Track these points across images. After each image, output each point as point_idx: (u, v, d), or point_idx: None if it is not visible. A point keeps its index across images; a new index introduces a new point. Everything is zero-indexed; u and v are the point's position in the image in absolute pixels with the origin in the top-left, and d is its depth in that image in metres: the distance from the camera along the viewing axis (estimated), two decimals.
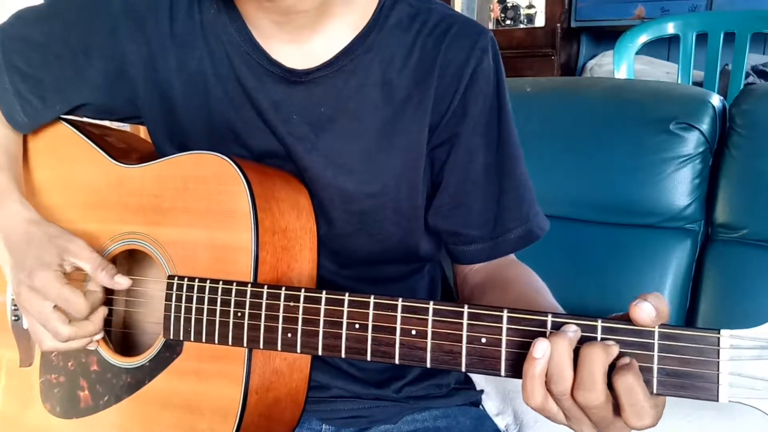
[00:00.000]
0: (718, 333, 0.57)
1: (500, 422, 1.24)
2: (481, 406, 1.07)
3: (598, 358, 0.58)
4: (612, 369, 0.59)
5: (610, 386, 0.58)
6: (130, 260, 0.96)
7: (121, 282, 0.84)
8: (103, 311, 0.86)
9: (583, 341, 0.60)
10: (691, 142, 1.41)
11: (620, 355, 0.59)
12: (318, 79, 0.86)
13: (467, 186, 0.91)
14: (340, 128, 0.87)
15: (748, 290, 1.35)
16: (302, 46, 0.86)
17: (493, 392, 1.29)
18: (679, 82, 2.34)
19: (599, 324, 0.60)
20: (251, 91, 0.87)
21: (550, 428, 1.20)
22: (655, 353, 0.58)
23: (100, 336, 0.86)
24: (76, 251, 0.83)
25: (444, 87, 0.87)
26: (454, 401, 1.01)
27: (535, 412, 1.25)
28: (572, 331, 0.60)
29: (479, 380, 1.15)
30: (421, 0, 0.90)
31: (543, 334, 0.62)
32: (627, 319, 0.60)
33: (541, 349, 0.59)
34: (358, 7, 0.86)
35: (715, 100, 1.45)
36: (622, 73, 2.38)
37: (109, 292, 0.90)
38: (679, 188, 1.43)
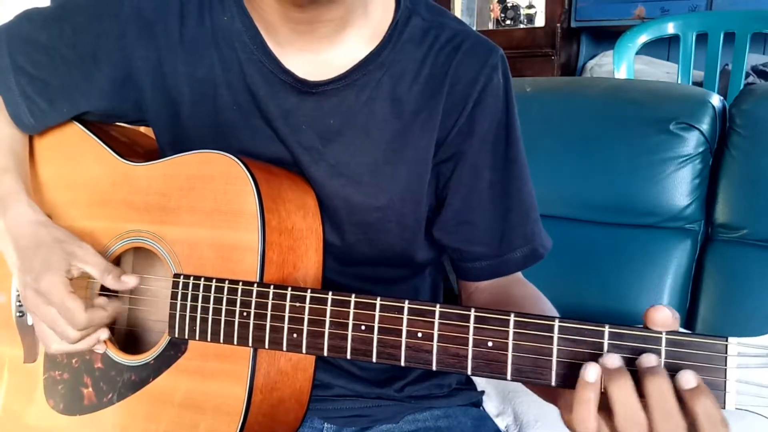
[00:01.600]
0: (726, 340, 0.57)
1: (501, 423, 1.25)
2: (481, 407, 1.07)
3: (668, 390, 0.56)
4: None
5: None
6: (135, 258, 0.96)
7: (129, 281, 0.84)
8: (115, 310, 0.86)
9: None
10: (691, 142, 1.42)
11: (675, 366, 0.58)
12: (329, 92, 0.86)
13: (472, 203, 0.91)
14: (348, 140, 0.87)
15: (749, 290, 1.36)
16: (317, 57, 0.86)
17: (494, 393, 1.30)
18: (679, 82, 2.35)
19: (606, 329, 0.60)
20: (262, 99, 0.87)
21: (551, 429, 1.20)
22: (662, 359, 0.58)
23: (105, 335, 0.87)
24: (83, 256, 0.83)
25: (452, 103, 0.87)
26: (455, 401, 1.01)
27: (536, 413, 1.25)
28: (618, 362, 0.59)
29: (480, 381, 1.16)
30: (434, 13, 0.90)
31: (550, 339, 0.62)
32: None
33: (593, 373, 0.58)
34: (374, 20, 0.86)
35: (715, 100, 1.45)
36: (622, 73, 2.38)
37: (114, 290, 0.91)
38: (679, 188, 1.43)
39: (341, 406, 0.96)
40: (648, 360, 0.58)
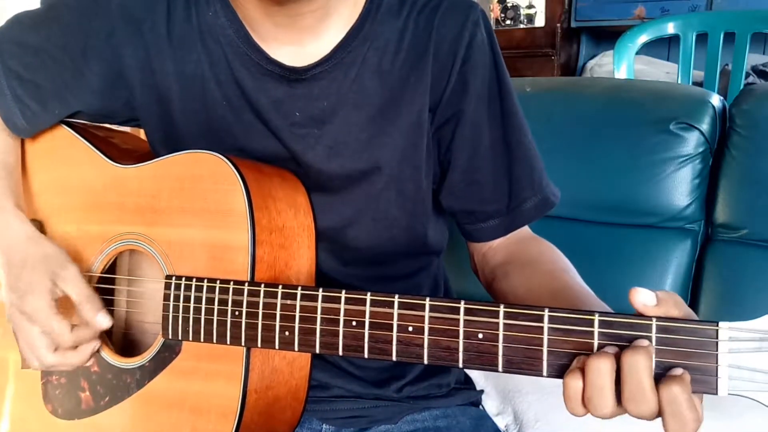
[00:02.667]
0: (717, 325, 0.57)
1: (500, 422, 1.24)
2: (481, 406, 1.07)
3: (645, 366, 0.57)
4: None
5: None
6: (129, 261, 0.96)
7: (102, 322, 0.83)
8: (93, 346, 0.85)
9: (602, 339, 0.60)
10: (691, 142, 1.41)
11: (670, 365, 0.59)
12: (318, 75, 0.86)
13: (477, 162, 0.91)
14: (342, 120, 0.88)
15: (748, 290, 1.35)
16: (302, 48, 0.86)
17: (493, 392, 1.29)
18: (679, 82, 2.34)
19: (596, 318, 0.60)
20: (251, 92, 0.87)
21: (551, 428, 1.20)
22: (653, 346, 0.58)
23: (87, 355, 0.86)
24: (67, 278, 0.83)
25: (440, 64, 0.87)
26: (454, 401, 1.01)
27: (535, 412, 1.25)
28: (611, 351, 0.59)
29: (479, 380, 1.15)
30: None
31: (540, 329, 0.62)
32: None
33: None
34: (351, 2, 0.87)
35: (715, 100, 1.45)
36: (622, 73, 2.38)
37: (108, 293, 0.91)
38: (679, 188, 1.42)
39: (340, 406, 0.96)
40: (639, 342, 0.59)
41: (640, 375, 0.57)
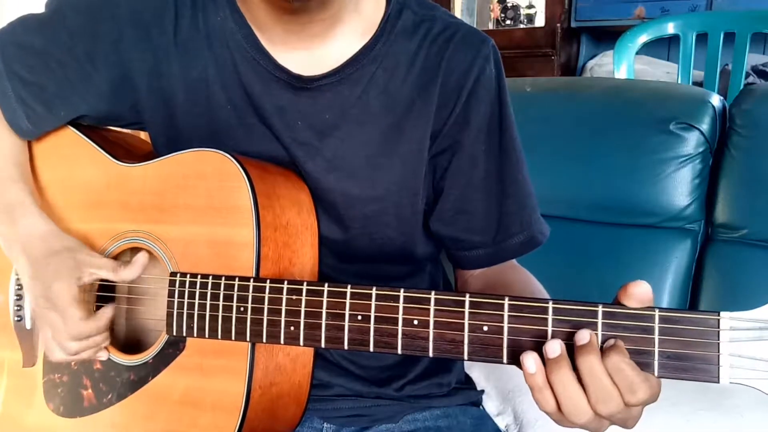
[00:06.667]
0: (718, 315, 0.58)
1: (500, 422, 1.25)
2: (481, 406, 1.07)
3: (598, 366, 0.58)
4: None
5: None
6: (131, 258, 0.96)
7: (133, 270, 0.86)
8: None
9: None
10: (691, 142, 1.41)
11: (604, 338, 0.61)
12: (324, 87, 0.87)
13: (469, 193, 0.92)
14: (343, 134, 0.88)
15: (748, 290, 1.36)
16: (310, 53, 0.87)
17: (494, 392, 1.29)
18: (679, 82, 2.34)
19: (600, 309, 0.61)
20: (257, 97, 0.87)
21: (550, 429, 1.20)
22: (656, 336, 0.59)
23: (106, 342, 0.87)
24: (95, 262, 0.85)
25: (446, 94, 0.88)
26: (455, 401, 1.01)
27: (536, 412, 1.26)
28: (557, 351, 0.60)
29: (479, 380, 1.15)
30: (425, 7, 0.91)
31: (544, 321, 0.63)
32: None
33: (532, 364, 0.61)
34: (366, 16, 0.87)
35: (715, 100, 1.45)
36: (622, 73, 2.38)
37: (110, 291, 0.91)
38: (679, 188, 1.43)
39: (340, 405, 0.96)
40: (581, 337, 0.60)
41: (599, 379, 0.59)
